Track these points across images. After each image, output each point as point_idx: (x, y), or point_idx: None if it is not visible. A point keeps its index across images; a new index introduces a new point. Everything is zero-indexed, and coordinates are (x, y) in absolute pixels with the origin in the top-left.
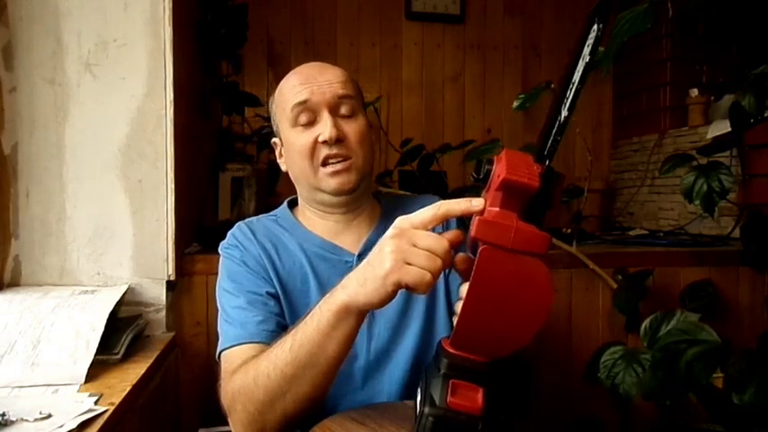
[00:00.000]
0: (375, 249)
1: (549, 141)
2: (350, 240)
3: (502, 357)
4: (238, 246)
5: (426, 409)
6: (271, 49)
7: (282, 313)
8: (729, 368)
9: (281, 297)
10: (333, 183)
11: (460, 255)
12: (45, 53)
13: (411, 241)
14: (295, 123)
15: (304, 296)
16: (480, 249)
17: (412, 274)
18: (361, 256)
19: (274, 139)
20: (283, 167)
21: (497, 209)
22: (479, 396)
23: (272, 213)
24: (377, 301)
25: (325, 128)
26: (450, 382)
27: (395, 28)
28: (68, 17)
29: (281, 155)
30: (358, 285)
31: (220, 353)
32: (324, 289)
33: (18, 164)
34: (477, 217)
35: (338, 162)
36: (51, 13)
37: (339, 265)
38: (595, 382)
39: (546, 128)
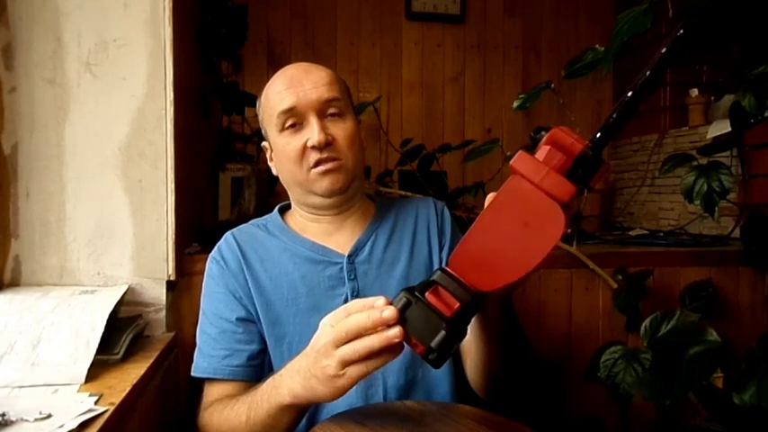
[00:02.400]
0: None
1: (609, 119)
2: (341, 241)
3: (489, 291)
4: (220, 261)
5: (404, 293)
6: (271, 49)
7: (257, 337)
8: (729, 368)
9: (261, 314)
10: (324, 183)
11: (491, 194)
12: (45, 53)
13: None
14: (282, 128)
15: (292, 304)
16: (511, 176)
17: (355, 375)
18: (352, 256)
19: (264, 143)
20: (274, 171)
21: (543, 155)
22: (455, 306)
23: (262, 219)
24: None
25: (312, 132)
26: (436, 286)
27: (395, 28)
28: (68, 17)
29: (271, 159)
30: (306, 392)
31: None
32: (313, 292)
33: (18, 164)
34: (521, 152)
35: (328, 162)
36: (51, 13)
37: (329, 267)
38: (595, 381)
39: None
